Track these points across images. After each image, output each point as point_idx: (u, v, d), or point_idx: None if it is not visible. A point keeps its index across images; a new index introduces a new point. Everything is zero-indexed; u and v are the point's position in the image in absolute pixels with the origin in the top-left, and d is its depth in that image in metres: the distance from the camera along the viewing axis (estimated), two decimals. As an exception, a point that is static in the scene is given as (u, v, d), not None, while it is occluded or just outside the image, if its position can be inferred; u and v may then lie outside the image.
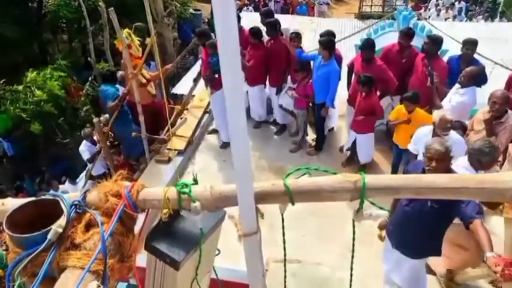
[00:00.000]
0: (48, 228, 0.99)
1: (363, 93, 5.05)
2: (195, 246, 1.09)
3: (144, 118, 5.62)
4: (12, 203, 1.13)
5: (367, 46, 5.31)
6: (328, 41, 5.27)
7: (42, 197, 1.08)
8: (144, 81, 5.89)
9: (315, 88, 5.53)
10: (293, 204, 1.03)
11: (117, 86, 6.14)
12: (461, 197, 0.99)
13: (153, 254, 1.10)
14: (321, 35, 5.56)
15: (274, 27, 5.82)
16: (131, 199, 1.04)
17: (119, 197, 1.04)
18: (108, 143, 6.24)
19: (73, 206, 1.04)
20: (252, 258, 1.02)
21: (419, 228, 3.16)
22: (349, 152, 5.73)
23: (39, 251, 0.97)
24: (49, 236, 0.97)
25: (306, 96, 5.71)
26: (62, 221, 1.00)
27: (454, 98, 4.73)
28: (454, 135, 4.03)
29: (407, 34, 5.50)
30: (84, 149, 6.63)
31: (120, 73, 6.34)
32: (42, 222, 1.03)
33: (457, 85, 4.79)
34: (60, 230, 0.98)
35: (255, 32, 5.84)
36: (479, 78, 4.71)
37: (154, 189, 1.07)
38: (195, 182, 1.09)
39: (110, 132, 6.18)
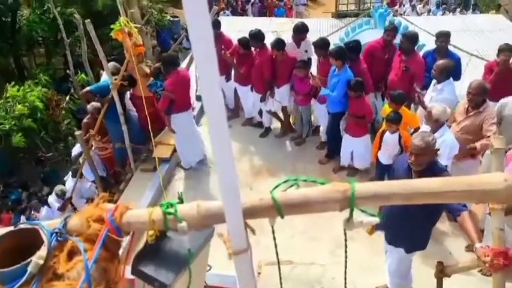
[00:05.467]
0: (28, 260, 0.94)
1: (352, 96, 5.05)
2: (184, 267, 1.06)
3: (147, 109, 5.46)
4: (-12, 234, 1.07)
5: (350, 48, 5.35)
6: (338, 50, 5.22)
7: (21, 226, 1.03)
8: (148, 71, 5.80)
9: (330, 99, 5.40)
10: (282, 217, 1.00)
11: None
12: (452, 201, 0.98)
13: (140, 278, 1.06)
14: (316, 44, 5.52)
15: (258, 38, 5.85)
16: (115, 223, 0.99)
17: (102, 222, 1.00)
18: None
19: (53, 234, 1.00)
20: (244, 276, 0.99)
21: (408, 222, 3.20)
22: (347, 163, 5.64)
23: (20, 285, 0.92)
24: (29, 269, 0.93)
25: (308, 94, 5.77)
26: (43, 251, 0.95)
27: (435, 96, 4.76)
28: (448, 135, 4.04)
29: (394, 29, 5.55)
30: (77, 148, 6.45)
31: (111, 64, 6.06)
32: (21, 252, 0.98)
33: (433, 81, 4.83)
34: (41, 262, 0.94)
35: (244, 42, 6.00)
36: (451, 71, 4.75)
37: (139, 210, 1.04)
38: (181, 200, 1.06)
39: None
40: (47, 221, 1.09)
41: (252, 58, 6.08)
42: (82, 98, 5.94)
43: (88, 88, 5.93)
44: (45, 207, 6.90)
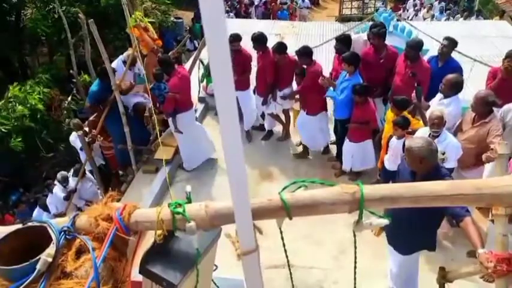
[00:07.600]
0: (37, 257, 0.94)
1: (358, 103, 5.01)
2: (191, 267, 1.06)
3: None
4: (-4, 231, 1.07)
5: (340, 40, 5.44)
6: (352, 56, 5.16)
7: (29, 224, 1.03)
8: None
9: (337, 102, 5.35)
10: (290, 218, 1.01)
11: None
12: (460, 204, 0.98)
13: (148, 277, 1.06)
14: (298, 53, 5.46)
15: (261, 41, 5.85)
16: (123, 222, 1.00)
17: (110, 221, 1.00)
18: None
19: (62, 233, 1.00)
20: (252, 276, 0.99)
21: (410, 224, 3.19)
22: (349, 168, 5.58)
23: (29, 282, 0.92)
24: (38, 266, 0.93)
25: None
26: (51, 249, 0.95)
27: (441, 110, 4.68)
28: (451, 139, 4.02)
29: (378, 34, 5.49)
30: (74, 139, 6.46)
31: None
32: (29, 250, 0.98)
33: (439, 95, 4.75)
34: (50, 259, 0.94)
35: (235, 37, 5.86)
36: (461, 87, 4.58)
37: (147, 210, 1.04)
38: (189, 200, 1.06)
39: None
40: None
41: (246, 57, 6.02)
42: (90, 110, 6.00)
43: (88, 103, 5.97)
44: (37, 208, 6.91)
